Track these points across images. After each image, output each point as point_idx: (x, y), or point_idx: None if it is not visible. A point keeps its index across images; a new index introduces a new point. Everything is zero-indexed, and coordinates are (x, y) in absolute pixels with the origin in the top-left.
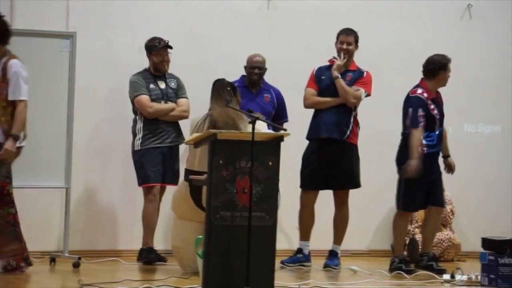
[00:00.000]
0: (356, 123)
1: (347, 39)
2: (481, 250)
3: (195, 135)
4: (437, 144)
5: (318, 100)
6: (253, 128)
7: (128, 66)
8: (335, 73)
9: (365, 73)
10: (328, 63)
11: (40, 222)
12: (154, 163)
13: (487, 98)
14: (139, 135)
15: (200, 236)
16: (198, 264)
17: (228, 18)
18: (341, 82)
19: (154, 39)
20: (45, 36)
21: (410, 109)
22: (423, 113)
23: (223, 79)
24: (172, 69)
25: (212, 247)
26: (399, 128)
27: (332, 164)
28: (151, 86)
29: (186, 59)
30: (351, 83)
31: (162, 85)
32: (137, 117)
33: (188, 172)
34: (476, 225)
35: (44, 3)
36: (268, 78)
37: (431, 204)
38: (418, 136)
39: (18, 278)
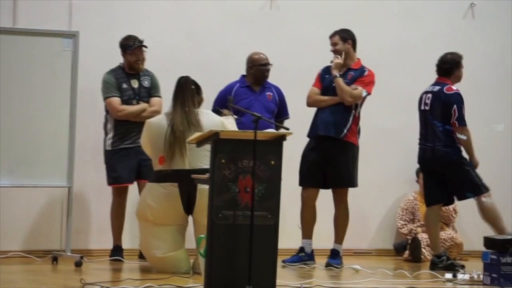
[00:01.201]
0: (356, 123)
1: (332, 40)
2: (483, 249)
3: (197, 134)
4: None
5: (318, 99)
6: (256, 128)
7: None
8: (334, 72)
9: (366, 72)
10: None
11: (42, 221)
12: (125, 163)
13: (490, 97)
14: (110, 135)
15: (202, 235)
16: (200, 263)
17: (229, 16)
18: (339, 81)
19: (129, 38)
20: (47, 35)
21: (455, 106)
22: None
23: (187, 77)
24: (172, 67)
25: (214, 246)
26: (401, 126)
27: (329, 162)
28: (124, 86)
29: (187, 57)
30: (351, 82)
31: (135, 84)
32: (108, 116)
33: (173, 172)
34: (478, 224)
35: (46, 2)
36: (269, 76)
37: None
38: (468, 131)
39: (20, 278)
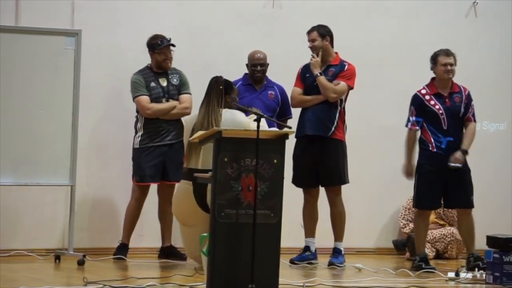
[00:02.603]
0: (342, 119)
1: (310, 37)
2: (486, 247)
3: (200, 133)
4: (448, 143)
5: (303, 99)
6: (258, 126)
7: (132, 64)
8: (315, 71)
9: (346, 66)
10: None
11: (44, 219)
12: (152, 162)
13: (492, 96)
14: (139, 133)
15: (205, 234)
16: (203, 261)
17: (231, 16)
18: (321, 80)
19: (156, 37)
20: (50, 33)
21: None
22: (414, 111)
23: (219, 77)
24: (175, 66)
25: (217, 245)
26: (401, 124)
27: (319, 161)
28: (152, 84)
29: (189, 56)
30: (333, 78)
31: (164, 83)
32: (139, 115)
33: (189, 171)
34: (481, 223)
35: (49, 0)
36: (272, 75)
37: (454, 207)
38: (407, 135)
39: (23, 276)
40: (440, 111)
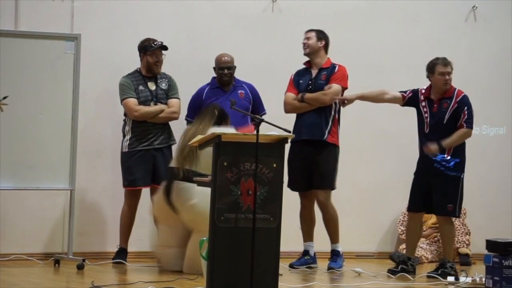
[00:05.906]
0: (335, 124)
1: (306, 35)
2: (486, 252)
3: (199, 137)
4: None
5: (296, 106)
6: (257, 130)
7: (131, 68)
8: (298, 97)
9: (337, 67)
10: (304, 66)
11: (44, 224)
12: (141, 166)
13: (492, 100)
14: (127, 137)
15: (204, 238)
16: (203, 265)
17: (231, 19)
18: (307, 97)
19: (148, 39)
20: (49, 38)
21: None
22: (411, 92)
23: (216, 104)
24: (174, 69)
25: (217, 249)
26: (402, 128)
27: (313, 163)
28: (141, 88)
29: (189, 60)
30: (326, 81)
31: (152, 87)
32: (126, 119)
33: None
34: (481, 227)
35: (48, 5)
36: (271, 79)
37: (432, 212)
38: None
39: (23, 280)
40: (426, 114)
